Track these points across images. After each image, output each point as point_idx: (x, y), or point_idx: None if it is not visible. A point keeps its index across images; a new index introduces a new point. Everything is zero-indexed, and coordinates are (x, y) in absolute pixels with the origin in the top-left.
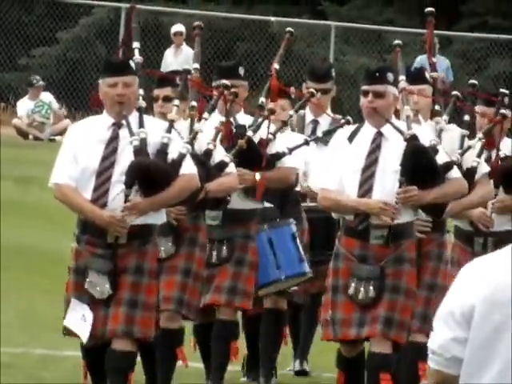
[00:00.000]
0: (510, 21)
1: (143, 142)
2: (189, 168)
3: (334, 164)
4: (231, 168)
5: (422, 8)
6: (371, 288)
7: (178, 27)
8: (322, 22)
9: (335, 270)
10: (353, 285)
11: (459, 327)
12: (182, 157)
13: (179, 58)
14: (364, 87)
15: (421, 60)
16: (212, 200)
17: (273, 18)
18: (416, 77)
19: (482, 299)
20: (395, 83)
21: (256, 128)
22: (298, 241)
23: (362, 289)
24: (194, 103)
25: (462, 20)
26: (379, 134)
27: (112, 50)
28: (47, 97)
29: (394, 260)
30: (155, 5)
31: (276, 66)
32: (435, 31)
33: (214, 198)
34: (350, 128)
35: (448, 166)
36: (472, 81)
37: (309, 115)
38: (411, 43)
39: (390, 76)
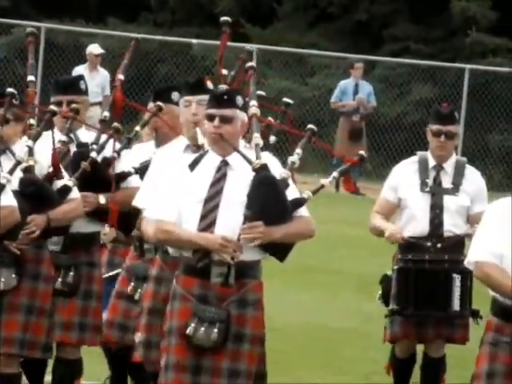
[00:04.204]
0: (430, 47)
1: None
2: (8, 200)
3: (171, 193)
4: (75, 193)
5: (346, 32)
6: (215, 331)
7: (96, 48)
8: (244, 44)
9: (171, 312)
10: (192, 325)
11: None
12: (0, 188)
13: (96, 79)
14: (210, 111)
15: (344, 84)
16: (54, 228)
17: (194, 41)
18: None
19: None
20: (245, 108)
21: (100, 148)
22: None
23: (202, 331)
24: (32, 121)
25: (384, 45)
26: (224, 163)
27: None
28: None
29: (237, 302)
30: (74, 25)
31: (121, 76)
32: (360, 55)
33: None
34: (192, 155)
35: (298, 203)
36: (285, 99)
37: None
38: (334, 67)
39: (239, 100)
